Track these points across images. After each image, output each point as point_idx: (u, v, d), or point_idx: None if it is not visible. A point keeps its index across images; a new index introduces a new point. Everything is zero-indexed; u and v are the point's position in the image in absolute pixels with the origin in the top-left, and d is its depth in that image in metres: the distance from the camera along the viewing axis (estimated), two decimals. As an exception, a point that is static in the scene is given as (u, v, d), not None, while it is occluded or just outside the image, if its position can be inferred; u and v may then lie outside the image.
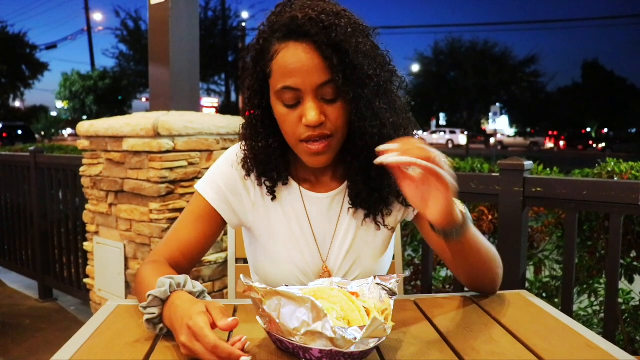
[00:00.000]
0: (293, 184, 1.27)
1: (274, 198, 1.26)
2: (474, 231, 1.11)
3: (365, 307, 0.94)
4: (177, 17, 2.89)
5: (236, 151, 1.29)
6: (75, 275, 3.91)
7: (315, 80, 1.07)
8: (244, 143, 1.24)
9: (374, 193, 1.21)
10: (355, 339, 0.82)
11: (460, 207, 1.05)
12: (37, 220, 4.22)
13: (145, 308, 0.98)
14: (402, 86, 1.21)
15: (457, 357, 0.92)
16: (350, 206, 1.26)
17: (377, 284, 1.03)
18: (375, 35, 1.16)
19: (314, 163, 1.16)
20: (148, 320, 0.98)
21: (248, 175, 1.25)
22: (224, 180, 1.26)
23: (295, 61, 1.07)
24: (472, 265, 1.16)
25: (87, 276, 3.21)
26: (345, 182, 1.27)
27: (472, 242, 1.10)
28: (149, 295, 0.97)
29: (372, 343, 0.84)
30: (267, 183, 1.25)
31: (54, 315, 3.91)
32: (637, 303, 2.34)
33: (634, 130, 52.41)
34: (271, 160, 1.21)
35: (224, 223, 1.29)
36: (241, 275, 0.93)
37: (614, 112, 49.44)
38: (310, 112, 1.08)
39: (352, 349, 0.82)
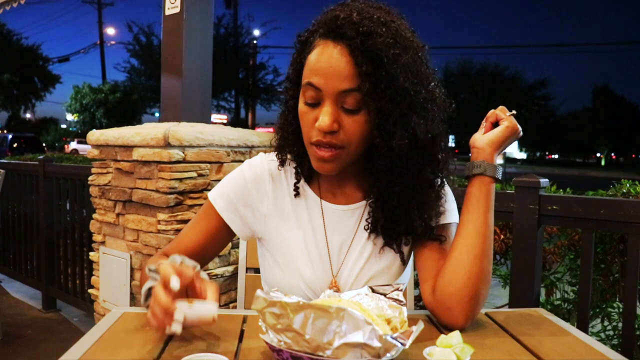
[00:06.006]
0: (312, 194, 1.24)
1: (297, 195, 1.23)
2: (493, 194, 1.18)
3: (386, 318, 0.91)
4: (191, 28, 2.90)
5: (252, 162, 1.27)
6: (80, 286, 3.88)
7: (339, 86, 1.04)
8: (278, 133, 1.22)
9: (393, 225, 1.16)
10: (405, 345, 0.79)
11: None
12: (43, 229, 4.21)
13: (150, 271, 1.02)
14: (447, 111, 1.16)
15: (475, 374, 0.88)
16: (368, 228, 1.22)
17: (380, 293, 1.01)
18: (425, 52, 1.12)
19: (320, 169, 1.13)
20: (148, 289, 1.02)
21: (282, 165, 1.24)
22: (235, 191, 1.24)
23: (324, 60, 1.05)
24: (478, 245, 1.12)
25: (92, 287, 3.18)
26: (367, 199, 1.23)
27: (490, 198, 1.16)
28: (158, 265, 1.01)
29: (396, 353, 0.81)
30: (296, 177, 1.23)
31: (57, 326, 3.87)
32: (652, 328, 2.28)
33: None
34: (300, 152, 1.19)
35: (233, 233, 1.26)
36: (259, 291, 0.88)
37: (625, 137, 49.31)
38: (324, 117, 1.05)
39: (388, 356, 0.79)
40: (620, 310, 2.29)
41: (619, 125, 47.72)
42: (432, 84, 1.12)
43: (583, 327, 1.95)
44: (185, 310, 0.91)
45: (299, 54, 1.14)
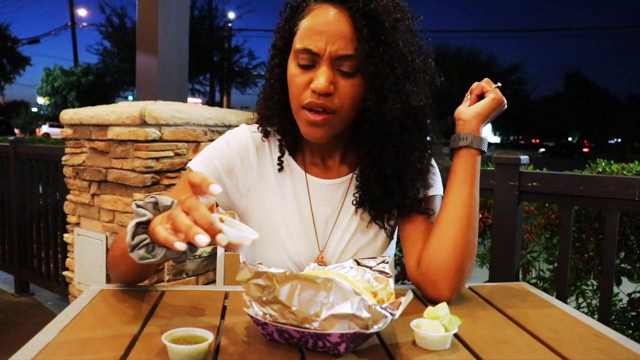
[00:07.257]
0: (297, 168, 1.22)
1: (281, 169, 1.20)
2: (479, 167, 1.16)
3: (372, 290, 0.90)
4: (167, 3, 2.83)
5: (237, 133, 1.24)
6: (54, 270, 3.80)
7: (337, 50, 1.03)
8: (262, 104, 1.19)
9: (385, 197, 1.15)
10: (394, 315, 0.78)
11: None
12: (15, 212, 4.10)
13: (138, 207, 0.91)
14: (435, 82, 1.16)
15: (463, 345, 0.88)
16: (356, 202, 1.20)
17: (365, 266, 1.00)
18: (418, 22, 1.12)
19: (310, 134, 1.10)
20: (137, 224, 0.89)
21: (266, 136, 1.21)
22: (221, 160, 1.19)
23: (323, 23, 1.03)
24: (463, 217, 1.10)
25: (66, 269, 3.12)
26: (353, 173, 1.22)
27: (476, 170, 1.14)
28: (150, 198, 0.91)
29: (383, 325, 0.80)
30: (280, 150, 1.20)
31: (30, 310, 3.80)
32: (625, 305, 2.32)
33: (613, 142, 53.16)
34: (285, 123, 1.16)
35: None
36: (245, 262, 0.85)
37: (596, 122, 50.14)
38: (320, 78, 1.03)
39: (375, 328, 0.77)
40: (595, 287, 2.32)
41: (589, 110, 48.50)
42: (425, 54, 1.13)
43: (562, 299, 1.97)
44: (225, 228, 0.77)
45: (287, 21, 1.12)
